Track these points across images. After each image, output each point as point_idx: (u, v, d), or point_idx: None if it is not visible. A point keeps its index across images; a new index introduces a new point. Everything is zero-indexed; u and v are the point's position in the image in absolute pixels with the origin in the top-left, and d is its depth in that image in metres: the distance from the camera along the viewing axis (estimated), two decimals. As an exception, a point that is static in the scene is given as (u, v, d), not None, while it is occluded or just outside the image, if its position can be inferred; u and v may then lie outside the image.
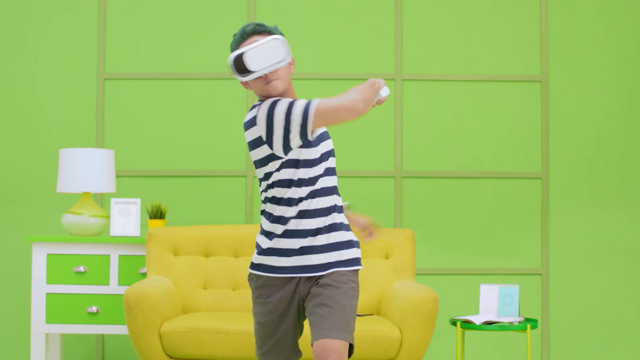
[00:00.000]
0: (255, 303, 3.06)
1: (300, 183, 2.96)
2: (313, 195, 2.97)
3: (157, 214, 4.90)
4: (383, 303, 4.38)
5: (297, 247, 2.96)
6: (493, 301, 4.47)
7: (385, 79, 5.52)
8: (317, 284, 2.96)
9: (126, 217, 4.86)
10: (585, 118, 5.55)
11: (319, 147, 3.00)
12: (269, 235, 2.98)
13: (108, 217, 4.84)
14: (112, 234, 4.84)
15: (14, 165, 5.44)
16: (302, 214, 2.96)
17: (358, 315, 4.28)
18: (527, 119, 5.54)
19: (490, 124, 5.54)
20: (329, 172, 3.02)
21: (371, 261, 4.55)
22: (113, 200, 4.87)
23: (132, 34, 5.50)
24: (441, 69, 5.55)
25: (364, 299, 4.48)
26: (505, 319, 4.34)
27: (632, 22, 5.58)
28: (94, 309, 4.68)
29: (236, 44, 3.03)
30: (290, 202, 2.96)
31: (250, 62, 2.93)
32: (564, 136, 5.54)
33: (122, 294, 4.70)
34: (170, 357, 3.98)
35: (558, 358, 5.47)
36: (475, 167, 5.52)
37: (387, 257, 4.57)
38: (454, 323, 4.42)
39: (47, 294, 4.70)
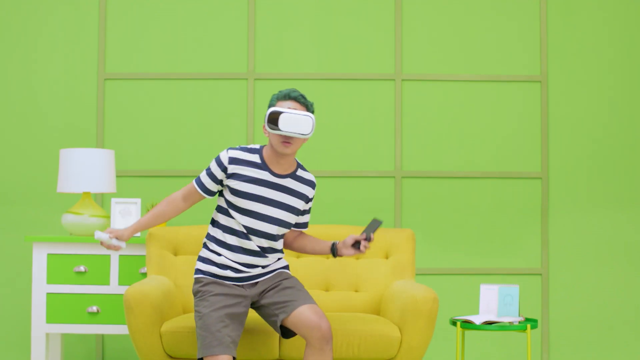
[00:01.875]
0: None
1: None
2: None
3: (157, 214, 4.90)
4: (383, 303, 4.38)
5: None
6: (493, 301, 4.47)
7: (385, 79, 5.52)
8: None
9: (126, 217, 4.86)
10: (585, 118, 5.55)
11: None
12: None
13: (108, 217, 4.84)
14: (112, 234, 4.84)
15: (14, 165, 5.44)
16: None
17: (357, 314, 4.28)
18: (527, 119, 5.54)
19: (490, 124, 5.54)
20: None
21: (371, 261, 4.55)
22: (113, 200, 4.87)
23: (132, 34, 5.50)
24: (441, 69, 5.55)
25: (364, 299, 4.48)
26: (505, 319, 4.34)
27: (632, 21, 5.58)
28: (94, 308, 4.68)
29: (277, 99, 3.64)
30: None
31: (282, 122, 3.53)
32: (564, 136, 5.54)
33: (122, 294, 4.70)
34: (171, 357, 3.98)
35: (558, 358, 5.47)
36: (475, 167, 5.51)
37: (387, 257, 4.57)
38: (454, 323, 4.42)
39: (48, 293, 4.70)
